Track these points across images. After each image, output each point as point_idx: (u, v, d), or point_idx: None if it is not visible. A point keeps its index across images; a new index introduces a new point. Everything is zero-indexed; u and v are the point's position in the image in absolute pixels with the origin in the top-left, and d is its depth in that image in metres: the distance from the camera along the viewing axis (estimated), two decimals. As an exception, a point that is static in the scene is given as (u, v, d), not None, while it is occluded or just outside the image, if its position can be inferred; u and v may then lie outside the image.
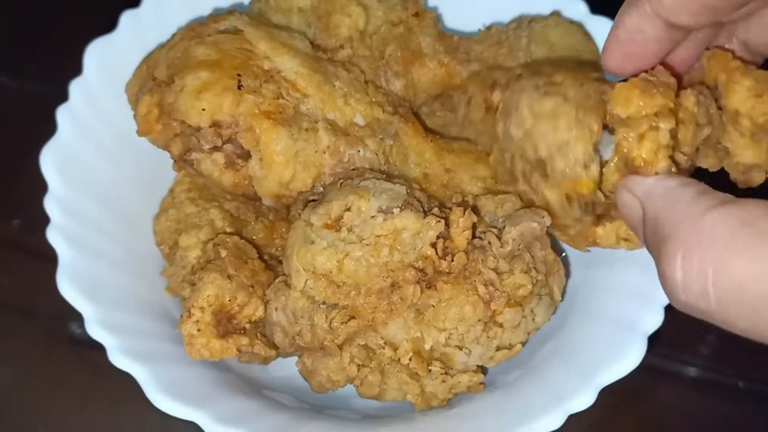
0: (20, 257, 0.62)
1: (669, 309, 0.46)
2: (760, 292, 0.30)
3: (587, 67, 0.44)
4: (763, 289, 0.30)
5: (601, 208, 0.43)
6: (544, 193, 0.43)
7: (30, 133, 0.66)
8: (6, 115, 0.70)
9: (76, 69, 0.56)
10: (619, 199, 0.39)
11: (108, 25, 0.58)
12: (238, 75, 0.46)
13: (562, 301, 0.48)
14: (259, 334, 0.46)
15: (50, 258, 0.50)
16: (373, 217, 0.43)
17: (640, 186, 0.38)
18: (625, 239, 0.44)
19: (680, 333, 0.57)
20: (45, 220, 0.50)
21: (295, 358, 0.48)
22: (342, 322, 0.43)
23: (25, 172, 0.61)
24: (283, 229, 0.53)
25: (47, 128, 0.54)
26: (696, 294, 0.31)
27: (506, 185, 0.47)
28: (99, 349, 0.46)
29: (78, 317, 0.48)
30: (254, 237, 0.52)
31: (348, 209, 0.43)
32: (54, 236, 0.48)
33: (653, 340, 0.46)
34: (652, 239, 0.35)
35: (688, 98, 0.41)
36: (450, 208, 0.45)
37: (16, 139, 0.68)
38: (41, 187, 0.52)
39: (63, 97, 0.55)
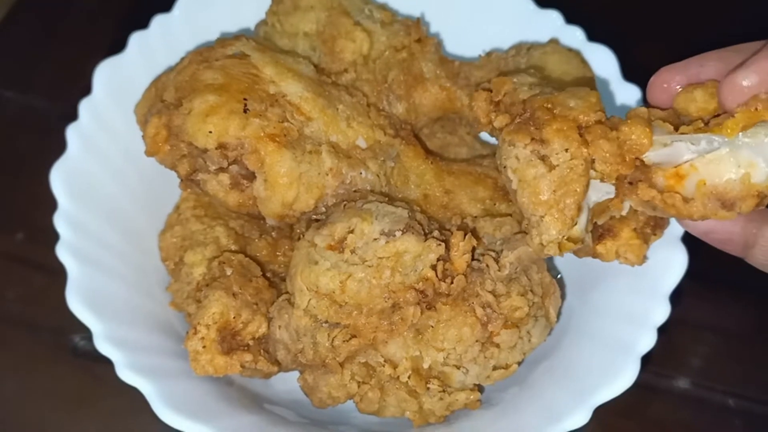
0: (24, 270, 0.63)
1: (661, 329, 0.48)
2: None
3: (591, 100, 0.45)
4: None
5: (605, 227, 0.45)
6: (528, 242, 0.44)
7: (35, 147, 0.67)
8: (12, 130, 0.71)
9: (82, 86, 0.57)
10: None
11: (114, 43, 0.59)
12: (245, 99, 0.47)
13: (557, 322, 0.49)
14: (262, 351, 0.47)
15: (53, 271, 0.50)
16: (375, 239, 0.44)
17: None
18: (625, 258, 0.46)
19: (672, 352, 0.59)
20: (49, 233, 0.51)
21: (296, 373, 0.49)
22: (343, 341, 0.44)
23: (30, 186, 0.62)
24: (286, 247, 0.54)
25: (53, 143, 0.55)
26: None
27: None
28: (101, 361, 0.47)
29: (80, 330, 0.48)
30: (258, 254, 0.53)
31: (351, 231, 0.44)
32: (63, 253, 0.49)
33: (646, 359, 0.47)
34: None
35: None
36: (449, 230, 0.47)
37: (22, 154, 0.69)
38: (46, 201, 0.53)
39: (69, 113, 0.56)
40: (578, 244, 0.43)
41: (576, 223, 0.43)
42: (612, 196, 0.44)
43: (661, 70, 0.44)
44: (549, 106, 0.43)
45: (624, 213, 0.45)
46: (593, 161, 0.42)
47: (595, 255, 0.46)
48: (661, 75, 0.44)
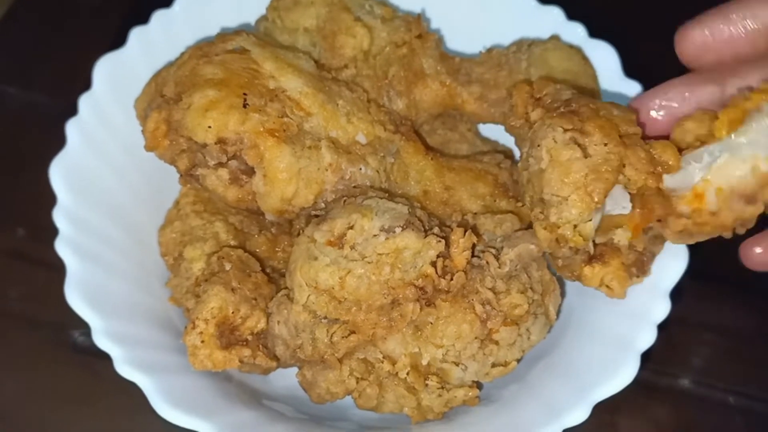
0: (25, 266, 0.63)
1: (661, 327, 0.48)
2: None
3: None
4: None
5: (598, 251, 0.45)
6: (537, 228, 0.45)
7: (37, 143, 0.67)
8: (14, 126, 0.71)
9: (84, 82, 0.56)
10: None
11: (115, 39, 0.59)
12: (244, 94, 0.47)
13: (557, 319, 0.49)
14: (260, 346, 0.47)
15: (54, 267, 0.50)
16: (375, 235, 0.44)
17: None
18: (607, 286, 0.46)
19: (673, 349, 0.59)
20: (50, 229, 0.51)
21: (295, 369, 0.49)
22: (342, 337, 0.44)
23: (32, 182, 0.62)
24: (285, 243, 0.54)
25: (54, 139, 0.55)
26: None
27: (518, 197, 0.50)
28: (101, 357, 0.47)
29: (81, 326, 0.48)
30: (257, 250, 0.53)
31: (351, 227, 0.44)
32: (62, 248, 0.49)
33: (646, 356, 0.47)
34: None
35: None
36: (449, 227, 0.46)
37: (23, 149, 0.69)
38: (47, 196, 0.52)
39: (70, 108, 0.55)
40: (582, 244, 0.44)
41: (591, 218, 0.43)
42: (627, 212, 0.45)
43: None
44: (594, 107, 0.44)
45: (620, 241, 0.46)
46: (624, 166, 0.43)
47: (579, 276, 0.47)
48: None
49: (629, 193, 0.44)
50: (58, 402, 0.57)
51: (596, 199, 0.42)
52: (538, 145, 0.44)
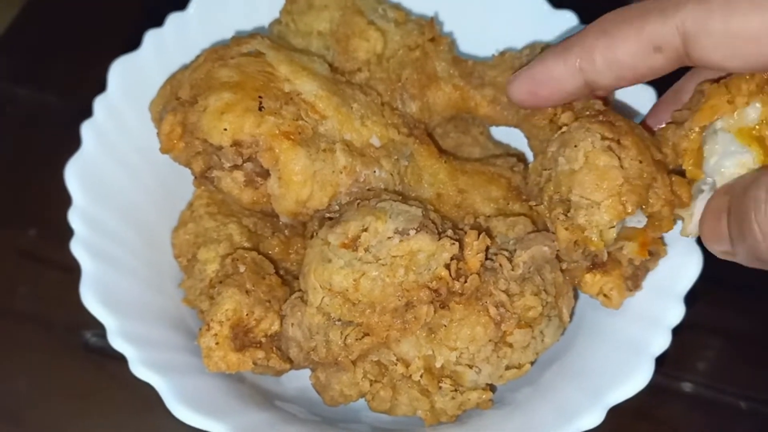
0: (36, 267, 0.64)
1: (675, 331, 0.48)
2: None
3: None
4: None
5: (601, 260, 0.45)
6: (557, 228, 0.45)
7: (48, 144, 0.68)
8: (25, 127, 0.72)
9: (95, 83, 0.57)
10: (702, 222, 0.44)
11: (128, 41, 0.59)
12: (260, 97, 0.47)
13: (570, 322, 0.49)
14: (274, 348, 0.47)
15: (65, 267, 0.51)
16: (389, 238, 0.44)
17: (717, 197, 0.43)
18: (606, 295, 0.47)
19: (684, 354, 0.59)
20: (61, 230, 0.51)
21: (307, 371, 0.49)
22: (356, 339, 0.44)
23: (43, 182, 0.62)
24: (299, 245, 0.54)
25: (65, 140, 0.55)
26: None
27: (529, 196, 0.50)
28: (113, 357, 0.47)
29: (93, 326, 0.49)
30: (270, 252, 0.53)
31: (365, 230, 0.44)
32: (77, 249, 0.49)
33: (659, 360, 0.47)
34: (734, 226, 0.40)
35: None
36: (462, 229, 0.46)
37: (35, 150, 0.70)
38: (58, 197, 0.53)
39: (81, 110, 0.56)
40: (601, 249, 0.44)
41: (614, 226, 0.44)
42: (641, 227, 0.45)
43: None
44: (629, 123, 0.45)
45: (628, 254, 0.47)
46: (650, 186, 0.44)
47: (579, 281, 0.47)
48: None
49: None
50: (71, 401, 0.58)
51: (629, 210, 0.43)
52: (575, 146, 0.44)
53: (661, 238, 0.48)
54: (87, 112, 0.56)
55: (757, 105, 0.42)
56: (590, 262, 0.46)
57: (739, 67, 0.40)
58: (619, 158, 0.44)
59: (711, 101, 0.43)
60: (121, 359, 0.47)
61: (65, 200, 0.52)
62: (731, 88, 0.42)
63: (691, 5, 0.39)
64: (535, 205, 0.47)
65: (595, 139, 0.44)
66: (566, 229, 0.44)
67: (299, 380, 0.52)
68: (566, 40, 0.45)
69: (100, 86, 0.56)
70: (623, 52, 0.41)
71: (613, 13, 0.43)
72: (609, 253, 0.46)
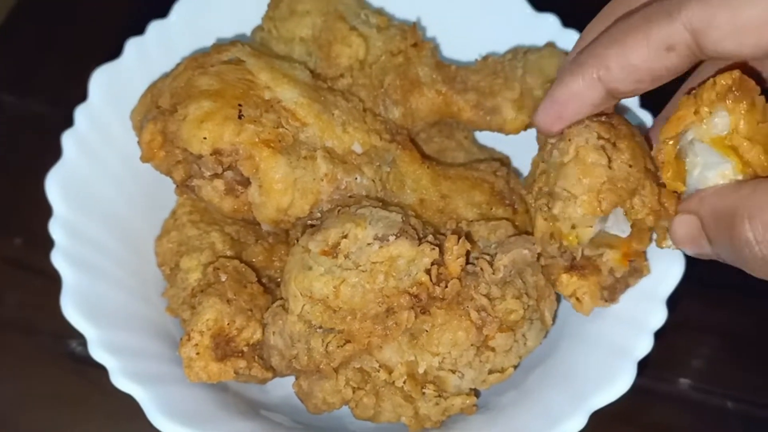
0: (22, 275, 0.63)
1: (660, 333, 0.48)
2: None
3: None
4: None
5: (581, 262, 0.46)
6: (537, 217, 0.46)
7: (34, 152, 0.68)
8: (11, 134, 0.72)
9: (80, 91, 0.57)
10: (675, 225, 0.44)
11: (112, 48, 0.59)
12: (239, 105, 0.47)
13: (553, 325, 0.49)
14: (256, 357, 0.47)
15: (52, 276, 0.50)
16: (369, 244, 0.44)
17: (688, 205, 0.44)
18: (578, 299, 0.47)
19: (671, 356, 0.59)
20: (47, 238, 0.51)
21: (292, 379, 0.49)
22: (338, 346, 0.44)
23: (29, 191, 0.62)
24: (282, 252, 0.54)
25: (51, 148, 0.55)
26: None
27: (526, 187, 0.50)
28: (98, 366, 0.47)
29: (78, 335, 0.48)
30: (254, 259, 0.53)
31: (345, 236, 0.44)
32: (58, 260, 0.49)
33: (644, 363, 0.47)
34: (717, 230, 0.41)
35: None
36: (444, 235, 0.47)
37: (20, 158, 0.69)
38: (44, 206, 0.52)
39: (66, 117, 0.56)
40: (574, 246, 0.45)
41: (592, 225, 0.44)
42: (623, 236, 0.46)
43: None
44: (632, 129, 0.46)
45: (607, 261, 0.47)
46: (636, 193, 0.44)
47: (555, 280, 0.47)
48: None
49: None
50: (56, 410, 0.58)
51: (603, 207, 0.43)
52: (569, 140, 0.45)
53: (645, 254, 0.48)
54: (71, 120, 0.55)
55: (724, 113, 0.42)
56: (568, 262, 0.46)
57: (752, 54, 0.41)
58: (609, 159, 0.44)
59: (679, 112, 0.43)
60: (105, 368, 0.47)
61: (50, 209, 0.52)
62: (698, 97, 0.43)
63: (693, 3, 0.40)
64: (526, 193, 0.48)
65: (591, 136, 0.45)
66: (545, 219, 0.45)
67: (284, 389, 0.52)
68: (577, 56, 0.45)
69: (85, 94, 0.56)
70: (636, 57, 0.42)
71: (618, 22, 0.44)
72: (589, 259, 0.46)
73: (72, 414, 0.57)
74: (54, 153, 0.54)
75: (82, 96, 0.56)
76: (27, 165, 0.68)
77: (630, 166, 0.44)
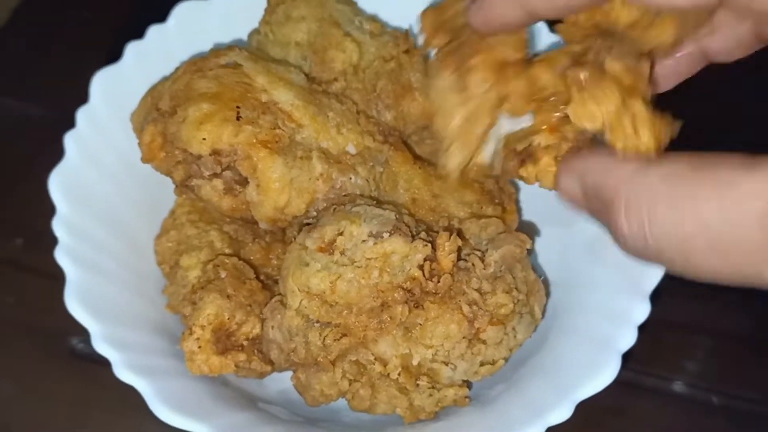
0: (22, 275, 0.64)
1: (644, 327, 0.49)
2: (683, 236, 0.34)
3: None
4: (684, 232, 0.34)
5: (522, 156, 0.45)
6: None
7: (32, 153, 0.69)
8: (9, 136, 0.72)
9: (78, 94, 0.58)
10: (560, 183, 0.43)
11: (109, 52, 0.60)
12: (237, 107, 0.49)
13: (542, 319, 0.51)
14: (256, 351, 0.49)
15: (51, 276, 0.51)
16: (364, 241, 0.45)
17: (576, 165, 0.41)
18: (540, 181, 0.45)
19: (657, 350, 0.60)
20: (47, 239, 0.52)
21: (289, 373, 0.51)
22: (335, 340, 0.46)
23: (28, 192, 0.63)
24: (279, 250, 0.55)
25: (49, 149, 0.56)
26: (639, 240, 0.36)
27: (503, 202, 0.51)
28: (98, 363, 0.48)
29: (78, 333, 0.49)
30: (251, 257, 0.55)
31: (341, 234, 0.46)
32: (61, 256, 0.50)
33: (629, 356, 0.48)
34: (597, 205, 0.39)
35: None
36: (437, 232, 0.48)
37: (19, 160, 0.70)
38: (43, 207, 0.53)
39: (63, 120, 0.57)
40: (487, 172, 0.46)
41: (480, 153, 0.45)
42: (529, 124, 0.45)
43: None
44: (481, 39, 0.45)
45: (543, 142, 0.45)
46: (507, 96, 0.44)
47: (519, 178, 0.47)
48: None
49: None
50: (57, 407, 0.58)
51: (472, 146, 0.44)
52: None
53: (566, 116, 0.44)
54: (69, 122, 0.57)
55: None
56: (517, 160, 0.45)
57: None
58: (465, 90, 0.44)
59: None
60: (106, 365, 0.47)
61: (50, 210, 0.53)
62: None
63: None
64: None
65: (442, 81, 0.45)
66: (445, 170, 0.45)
67: (281, 383, 0.53)
68: None
69: (82, 97, 0.57)
70: None
71: None
72: (526, 149, 0.45)
73: (72, 410, 0.58)
74: (52, 154, 0.55)
75: (78, 98, 0.57)
76: (26, 166, 0.69)
77: (484, 83, 0.43)
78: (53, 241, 0.52)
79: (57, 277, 0.51)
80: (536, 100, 0.44)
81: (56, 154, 0.55)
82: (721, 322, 0.63)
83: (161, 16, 0.61)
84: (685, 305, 0.62)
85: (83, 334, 0.49)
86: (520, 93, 0.44)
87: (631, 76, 0.42)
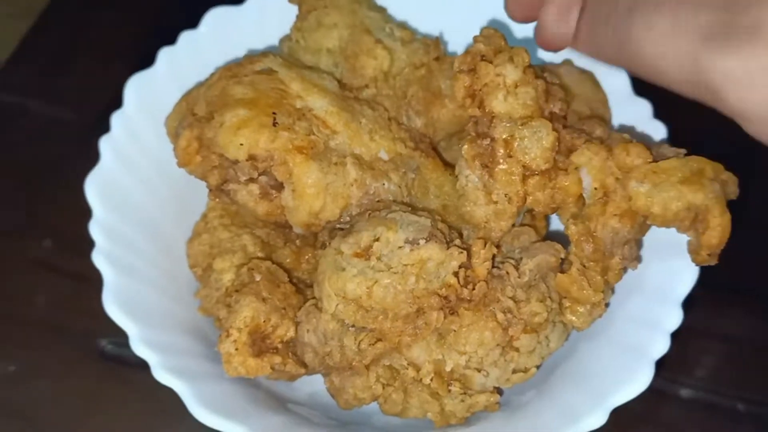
0: (52, 277, 0.65)
1: (674, 336, 0.49)
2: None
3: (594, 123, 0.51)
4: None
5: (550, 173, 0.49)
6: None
7: (61, 156, 0.69)
8: (39, 139, 0.73)
9: (105, 97, 0.59)
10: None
11: (137, 56, 0.61)
12: (273, 113, 0.49)
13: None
14: (290, 353, 0.49)
15: (81, 277, 0.52)
16: (400, 247, 0.46)
17: None
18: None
19: (683, 356, 0.60)
20: (76, 240, 0.53)
21: (317, 376, 0.51)
22: (369, 344, 0.46)
23: (56, 194, 0.64)
24: (310, 255, 0.56)
25: (77, 153, 0.57)
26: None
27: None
28: (128, 364, 0.49)
29: (108, 334, 0.50)
30: (283, 262, 0.55)
31: (377, 239, 0.46)
32: (99, 259, 0.51)
33: (659, 364, 0.48)
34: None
35: None
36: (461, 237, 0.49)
37: (48, 163, 0.71)
38: (71, 209, 0.54)
39: (92, 124, 0.57)
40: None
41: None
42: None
43: None
44: (508, 138, 0.48)
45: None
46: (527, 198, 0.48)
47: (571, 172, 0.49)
48: None
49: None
50: (87, 408, 0.59)
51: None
52: (458, 174, 0.50)
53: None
54: (98, 126, 0.57)
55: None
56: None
57: None
58: (488, 191, 0.49)
59: None
60: (135, 366, 0.48)
61: (78, 211, 0.54)
62: None
63: None
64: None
65: (469, 174, 0.49)
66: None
67: (311, 386, 0.53)
68: None
69: (110, 100, 0.58)
70: None
71: None
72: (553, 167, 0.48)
73: (102, 411, 0.59)
74: (80, 158, 0.56)
75: (105, 102, 0.58)
76: (54, 170, 0.70)
77: (505, 195, 0.48)
78: (82, 242, 0.53)
79: (85, 279, 0.51)
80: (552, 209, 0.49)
81: (85, 157, 0.56)
82: (744, 328, 0.63)
83: (187, 17, 0.61)
84: (711, 312, 0.62)
85: (112, 335, 0.49)
86: (540, 207, 0.49)
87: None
